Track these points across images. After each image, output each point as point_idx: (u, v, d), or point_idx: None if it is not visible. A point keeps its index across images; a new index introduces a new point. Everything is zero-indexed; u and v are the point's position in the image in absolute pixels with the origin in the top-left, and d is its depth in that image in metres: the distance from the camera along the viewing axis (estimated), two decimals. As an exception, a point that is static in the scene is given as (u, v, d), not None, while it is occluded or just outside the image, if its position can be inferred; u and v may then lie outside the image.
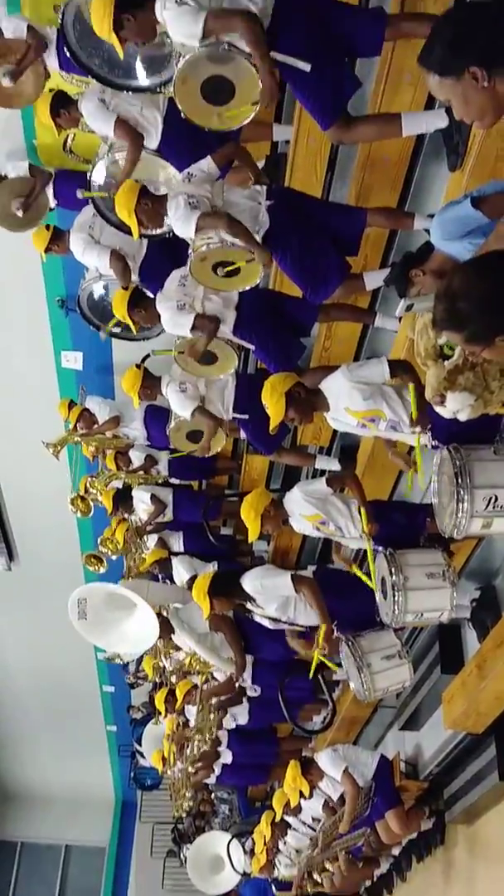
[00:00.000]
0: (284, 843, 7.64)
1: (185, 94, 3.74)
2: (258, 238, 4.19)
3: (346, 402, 3.83)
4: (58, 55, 5.42)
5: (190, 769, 8.25)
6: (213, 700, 6.95)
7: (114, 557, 8.08)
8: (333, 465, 5.54)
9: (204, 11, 3.40)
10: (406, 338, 4.18)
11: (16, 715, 15.03)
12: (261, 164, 5.19)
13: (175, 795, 9.39)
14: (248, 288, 4.56)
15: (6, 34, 5.40)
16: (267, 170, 5.21)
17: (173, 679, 7.97)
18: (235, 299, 4.78)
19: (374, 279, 4.48)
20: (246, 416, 5.44)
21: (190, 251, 4.37)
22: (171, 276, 4.94)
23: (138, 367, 6.12)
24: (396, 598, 4.25)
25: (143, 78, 4.61)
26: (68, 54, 4.53)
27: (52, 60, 5.48)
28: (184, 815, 10.81)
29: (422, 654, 5.88)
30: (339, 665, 5.30)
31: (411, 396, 3.59)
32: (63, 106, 5.24)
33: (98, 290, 6.34)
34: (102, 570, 8.40)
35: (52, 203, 6.19)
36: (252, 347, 4.93)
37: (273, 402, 3.91)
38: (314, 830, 6.99)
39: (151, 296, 5.13)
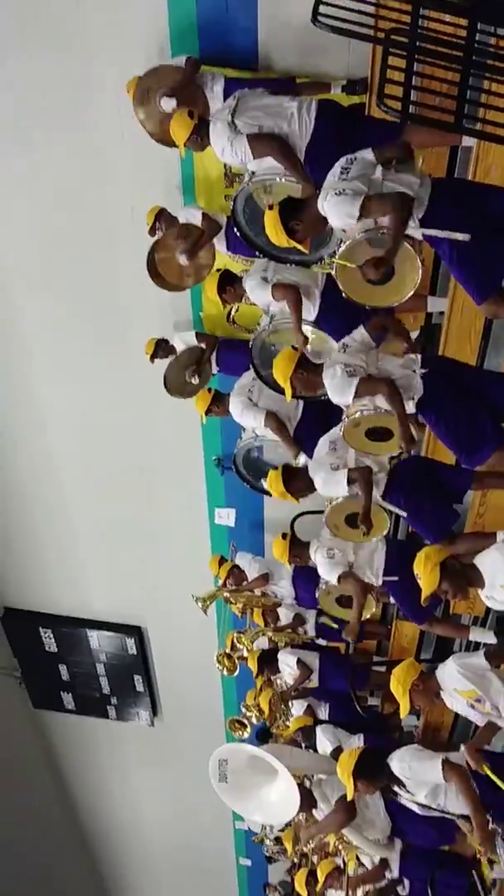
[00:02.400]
0: None
1: (345, 276, 3.92)
2: (411, 406, 4.23)
3: (503, 577, 3.68)
4: (226, 238, 5.91)
5: None
6: (361, 890, 6.44)
7: (256, 722, 7.88)
8: (489, 637, 5.26)
9: (361, 196, 3.62)
10: None
11: (147, 878, 14.54)
12: (415, 334, 5.32)
13: None
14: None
15: (182, 220, 5.96)
16: (421, 340, 5.33)
17: (314, 859, 7.48)
18: (387, 464, 4.79)
19: (532, 446, 4.39)
20: (396, 579, 5.32)
21: (344, 416, 4.46)
22: (320, 443, 5.04)
23: (284, 536, 6.18)
24: None
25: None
26: (238, 234, 4.89)
27: (220, 244, 5.97)
28: None
29: None
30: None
31: None
32: (229, 283, 5.62)
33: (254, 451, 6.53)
34: (245, 735, 8.18)
35: (215, 369, 6.55)
36: (403, 514, 4.88)
37: (427, 573, 3.81)
38: None
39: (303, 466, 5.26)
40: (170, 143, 5.10)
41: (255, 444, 6.36)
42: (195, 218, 5.89)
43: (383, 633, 7.08)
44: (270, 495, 6.52)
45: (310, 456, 5.21)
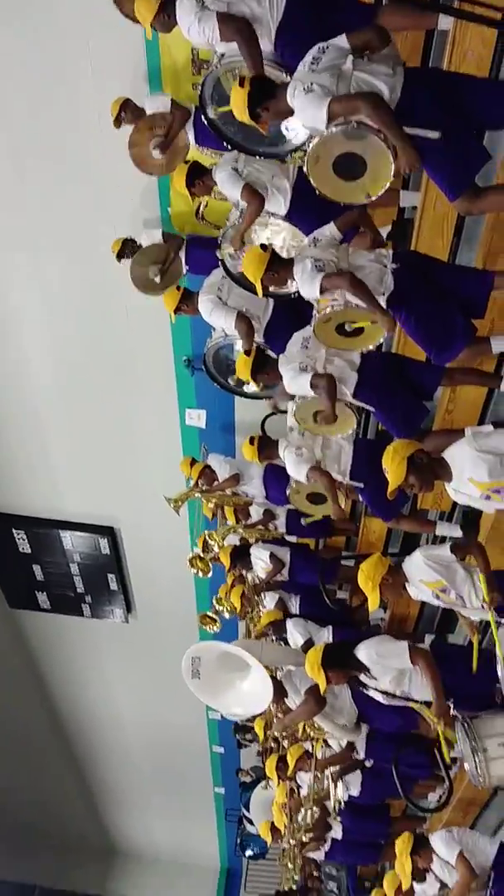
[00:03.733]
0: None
1: (318, 173, 3.82)
2: (382, 301, 4.20)
3: (471, 472, 3.72)
4: (195, 130, 5.71)
5: (301, 839, 8.01)
6: (329, 770, 6.75)
7: (228, 616, 8.08)
8: (455, 531, 5.38)
9: (328, 97, 3.49)
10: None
11: (125, 768, 15.12)
12: (387, 229, 5.24)
13: (284, 868, 9.14)
14: (370, 348, 4.57)
15: (149, 111, 5.74)
16: (393, 235, 5.25)
17: (285, 744, 7.81)
18: (357, 361, 4.78)
19: (502, 342, 4.40)
20: (362, 485, 5.39)
21: (314, 312, 4.42)
22: (293, 339, 5.00)
23: (252, 441, 6.21)
24: (519, 674, 4.05)
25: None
26: (206, 123, 4.73)
27: (189, 135, 5.78)
28: (293, 886, 10.47)
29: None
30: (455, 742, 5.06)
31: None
32: (198, 176, 5.47)
33: (224, 350, 6.48)
34: (216, 630, 8.40)
35: (185, 268, 6.43)
36: (373, 410, 4.90)
37: (394, 466, 3.84)
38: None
39: (275, 356, 5.20)
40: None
41: (224, 344, 6.31)
42: (164, 106, 5.68)
43: (352, 529, 7.21)
44: (241, 395, 6.54)
45: (279, 353, 5.17)
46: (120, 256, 6.48)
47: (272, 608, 7.27)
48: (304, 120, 3.66)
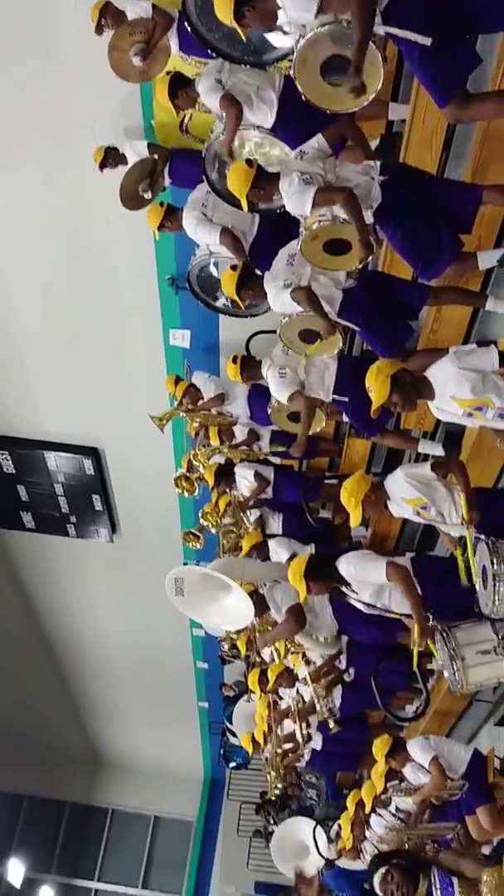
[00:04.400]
0: (370, 829, 7.59)
1: (305, 77, 3.72)
2: (369, 215, 4.14)
3: (453, 390, 3.75)
4: (178, 37, 5.52)
5: (282, 749, 8.30)
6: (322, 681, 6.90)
7: (213, 531, 8.15)
8: (437, 449, 5.44)
9: None
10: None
11: (111, 684, 15.47)
12: (375, 142, 5.14)
13: (268, 776, 9.47)
14: (357, 268, 4.53)
15: (130, 17, 5.52)
16: (381, 148, 5.15)
17: (266, 658, 8.03)
18: (343, 279, 4.74)
19: (488, 258, 4.37)
20: (346, 399, 5.40)
21: (301, 229, 4.36)
22: (279, 255, 4.94)
23: (235, 360, 6.18)
24: (497, 589, 4.15)
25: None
26: (189, 29, 4.57)
27: (173, 42, 5.58)
28: (276, 792, 10.86)
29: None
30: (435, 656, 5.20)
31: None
32: (181, 87, 5.31)
33: (208, 268, 6.39)
34: (199, 546, 8.49)
35: (168, 182, 6.29)
36: (358, 329, 4.88)
37: (377, 385, 3.85)
38: (401, 821, 6.91)
39: (260, 273, 5.14)
40: None
41: (209, 262, 6.22)
42: (145, 11, 5.47)
43: (335, 450, 7.27)
44: (226, 314, 6.49)
45: (264, 271, 5.12)
46: (102, 166, 6.31)
47: (253, 530, 7.36)
48: (292, 12, 3.55)
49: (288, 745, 8.28)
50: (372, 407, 3.96)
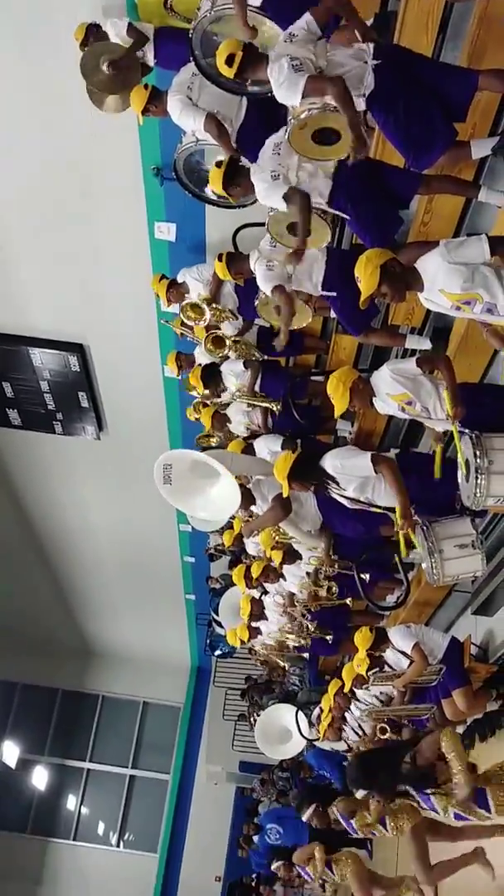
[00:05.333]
0: (350, 712, 7.94)
1: None
2: (361, 102, 4.02)
3: (442, 283, 3.71)
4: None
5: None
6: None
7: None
8: (425, 344, 5.42)
9: None
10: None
11: (100, 578, 15.79)
12: (369, 22, 4.92)
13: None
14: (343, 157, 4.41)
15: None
16: (374, 28, 4.94)
17: (251, 553, 8.22)
18: (332, 168, 4.62)
19: (483, 147, 4.27)
20: (335, 294, 5.35)
21: (290, 118, 4.23)
22: (265, 145, 4.79)
23: (220, 258, 6.07)
24: (479, 482, 4.22)
25: None
26: None
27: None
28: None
29: (501, 540, 5.88)
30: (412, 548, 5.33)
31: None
32: None
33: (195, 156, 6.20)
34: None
35: (152, 61, 6.02)
36: (347, 219, 4.79)
37: (367, 274, 3.81)
38: (381, 703, 7.22)
39: (247, 162, 5.00)
40: None
41: (195, 149, 6.02)
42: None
43: (322, 347, 7.24)
44: (214, 203, 6.32)
45: (252, 160, 4.98)
46: (83, 45, 6.01)
47: (239, 439, 7.36)
48: None
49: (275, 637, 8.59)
50: (360, 298, 3.93)
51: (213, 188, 5.26)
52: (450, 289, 3.69)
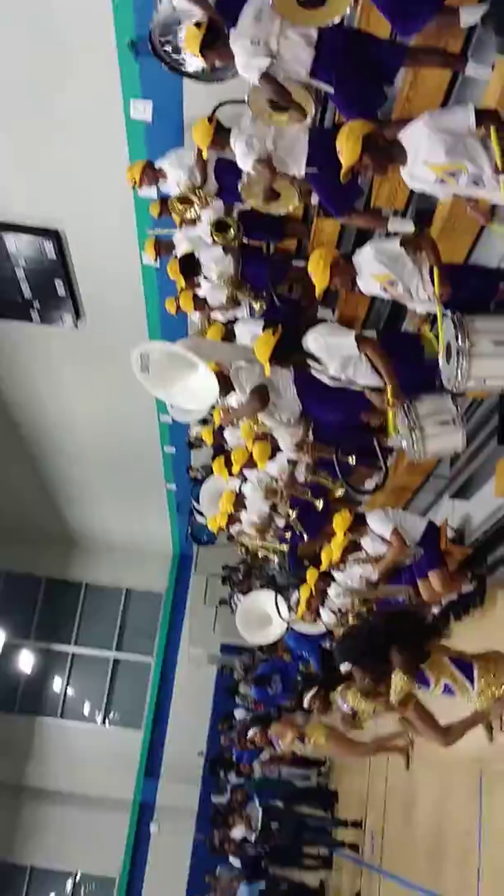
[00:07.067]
0: (327, 596, 8.16)
1: None
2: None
3: (426, 153, 3.62)
4: None
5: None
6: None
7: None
8: (407, 226, 5.32)
9: None
10: (498, 89, 3.88)
11: (81, 467, 15.87)
12: None
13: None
14: (331, 23, 4.22)
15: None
16: None
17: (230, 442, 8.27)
18: (314, 36, 4.42)
19: (472, 14, 4.09)
20: (317, 170, 5.21)
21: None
22: (244, 10, 4.56)
23: (210, 119, 5.84)
24: (460, 363, 4.21)
25: None
26: None
27: None
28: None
29: (480, 424, 5.93)
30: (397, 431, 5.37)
31: (495, 143, 3.37)
32: None
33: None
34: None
35: None
36: (330, 91, 4.62)
37: (349, 145, 3.71)
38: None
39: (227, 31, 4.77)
40: None
41: (172, 19, 5.76)
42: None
43: (303, 231, 7.11)
44: (191, 77, 6.08)
45: (231, 26, 4.74)
46: None
47: (220, 321, 7.27)
48: None
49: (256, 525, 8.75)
50: (342, 170, 3.84)
51: (189, 50, 5.02)
52: (434, 158, 3.61)
